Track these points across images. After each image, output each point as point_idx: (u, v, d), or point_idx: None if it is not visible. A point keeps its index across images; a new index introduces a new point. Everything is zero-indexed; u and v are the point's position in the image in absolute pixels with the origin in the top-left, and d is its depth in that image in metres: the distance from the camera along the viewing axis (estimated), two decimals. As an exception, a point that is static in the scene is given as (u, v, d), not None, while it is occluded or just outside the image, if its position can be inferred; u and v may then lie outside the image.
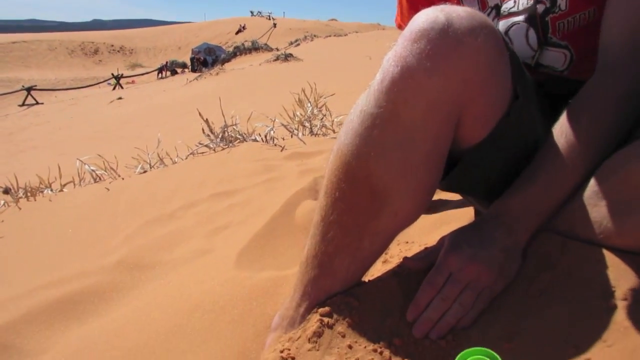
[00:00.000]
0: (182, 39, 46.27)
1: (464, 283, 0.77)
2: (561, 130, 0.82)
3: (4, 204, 2.40)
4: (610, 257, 0.74)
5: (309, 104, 3.00)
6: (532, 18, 0.95)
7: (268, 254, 1.28)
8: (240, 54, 17.31)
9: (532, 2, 0.95)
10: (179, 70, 22.63)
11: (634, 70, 0.81)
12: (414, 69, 0.73)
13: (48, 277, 1.47)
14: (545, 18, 0.94)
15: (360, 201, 0.78)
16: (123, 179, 2.42)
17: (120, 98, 10.09)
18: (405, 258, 0.88)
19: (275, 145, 2.47)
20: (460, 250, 0.78)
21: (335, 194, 0.79)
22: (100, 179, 2.59)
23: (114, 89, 13.01)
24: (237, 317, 0.97)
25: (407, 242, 1.13)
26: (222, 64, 15.42)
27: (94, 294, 1.34)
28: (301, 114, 2.92)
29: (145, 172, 2.50)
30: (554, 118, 0.85)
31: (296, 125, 2.78)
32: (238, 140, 2.63)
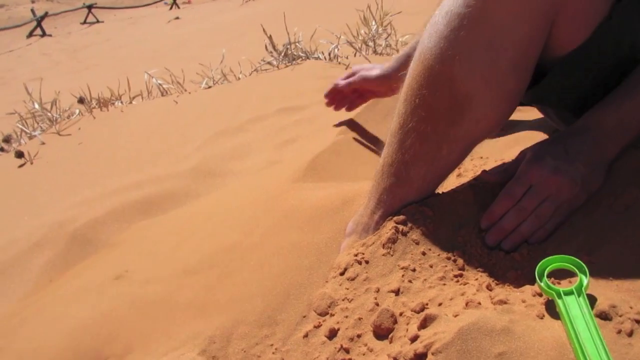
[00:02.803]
0: (237, -44, 44.80)
1: (543, 196, 0.74)
2: None
3: (79, 113, 2.51)
4: None
5: (373, 23, 2.89)
6: None
7: (338, 166, 1.29)
8: (298, -27, 16.72)
9: None
10: (235, -11, 22.14)
11: None
12: None
13: (126, 180, 1.56)
14: None
15: (441, 107, 0.75)
16: (190, 93, 2.46)
17: (177, 18, 10.02)
18: (483, 171, 0.86)
19: (339, 63, 2.42)
20: (544, 162, 0.75)
21: (415, 101, 0.76)
22: (167, 92, 2.65)
23: (170, 8, 12.89)
24: (311, 222, 0.97)
25: (481, 158, 1.11)
26: (280, -17, 14.99)
27: (169, 197, 1.41)
28: (365, 33, 2.83)
29: (210, 87, 2.53)
30: None
31: (360, 45, 2.70)
32: (301, 58, 2.59)
